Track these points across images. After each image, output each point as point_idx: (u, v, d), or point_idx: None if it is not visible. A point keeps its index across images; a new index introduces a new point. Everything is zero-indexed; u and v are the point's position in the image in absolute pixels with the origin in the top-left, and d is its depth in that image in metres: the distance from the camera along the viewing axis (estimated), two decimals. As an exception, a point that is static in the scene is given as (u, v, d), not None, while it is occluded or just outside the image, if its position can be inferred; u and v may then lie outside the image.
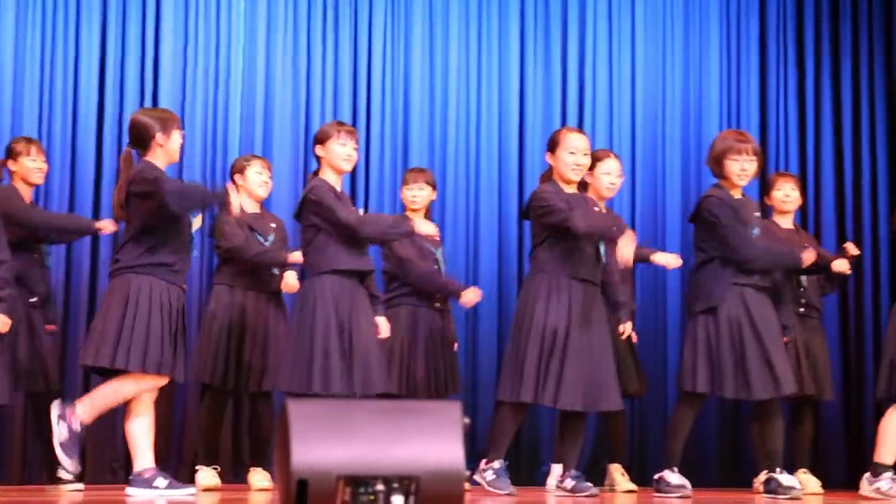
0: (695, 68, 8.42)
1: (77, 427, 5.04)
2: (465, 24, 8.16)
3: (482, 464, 5.47)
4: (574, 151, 5.46)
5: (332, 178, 5.40)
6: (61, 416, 5.01)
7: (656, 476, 5.65)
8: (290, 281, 6.18)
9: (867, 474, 5.73)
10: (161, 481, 5.06)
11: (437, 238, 6.19)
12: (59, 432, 4.99)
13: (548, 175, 5.63)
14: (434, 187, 6.56)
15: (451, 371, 6.45)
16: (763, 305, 5.51)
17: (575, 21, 8.31)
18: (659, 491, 5.60)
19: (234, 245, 6.11)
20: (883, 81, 8.53)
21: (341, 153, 5.38)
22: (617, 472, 6.44)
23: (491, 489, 5.40)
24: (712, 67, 8.42)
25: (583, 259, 5.40)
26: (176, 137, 5.18)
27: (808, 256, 5.66)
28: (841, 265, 6.33)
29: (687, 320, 5.68)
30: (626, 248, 5.42)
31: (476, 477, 5.44)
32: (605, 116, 8.25)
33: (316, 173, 5.48)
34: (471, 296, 6.30)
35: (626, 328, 6.25)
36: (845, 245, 6.67)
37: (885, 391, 5.85)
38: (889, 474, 5.69)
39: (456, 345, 6.61)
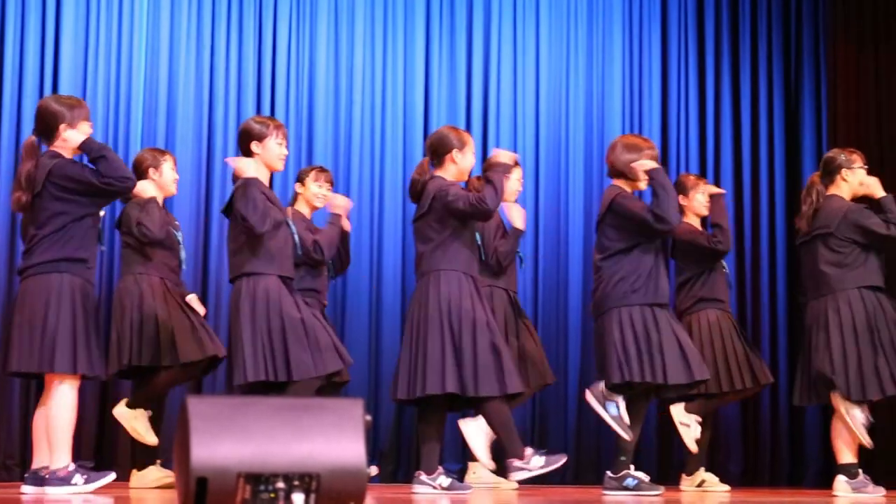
0: (598, 71, 8.51)
1: None
2: (371, 23, 8.15)
3: (515, 462, 5.37)
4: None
5: (263, 175, 5.42)
6: None
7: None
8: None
9: (842, 477, 5.77)
10: (78, 478, 4.98)
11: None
12: None
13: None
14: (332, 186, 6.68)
15: None
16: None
17: (480, 22, 8.34)
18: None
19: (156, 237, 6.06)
20: (781, 85, 8.71)
21: (278, 152, 5.42)
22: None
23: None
24: (615, 70, 8.52)
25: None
26: (84, 128, 5.09)
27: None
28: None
29: (599, 315, 5.63)
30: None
31: (517, 475, 5.35)
32: (509, 117, 8.30)
33: None
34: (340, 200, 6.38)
35: None
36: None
37: (806, 399, 5.93)
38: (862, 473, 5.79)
39: None
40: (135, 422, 6.02)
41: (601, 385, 5.40)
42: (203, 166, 7.57)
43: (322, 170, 6.69)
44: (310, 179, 6.59)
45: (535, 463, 5.28)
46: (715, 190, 6.80)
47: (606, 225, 5.59)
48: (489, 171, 5.48)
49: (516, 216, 6.48)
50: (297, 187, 6.64)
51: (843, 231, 5.84)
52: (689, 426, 6.22)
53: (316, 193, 6.57)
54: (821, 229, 5.91)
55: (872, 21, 8.44)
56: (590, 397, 5.41)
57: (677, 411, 6.26)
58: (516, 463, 5.25)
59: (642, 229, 5.47)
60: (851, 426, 5.69)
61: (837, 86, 8.41)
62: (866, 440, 5.71)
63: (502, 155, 5.58)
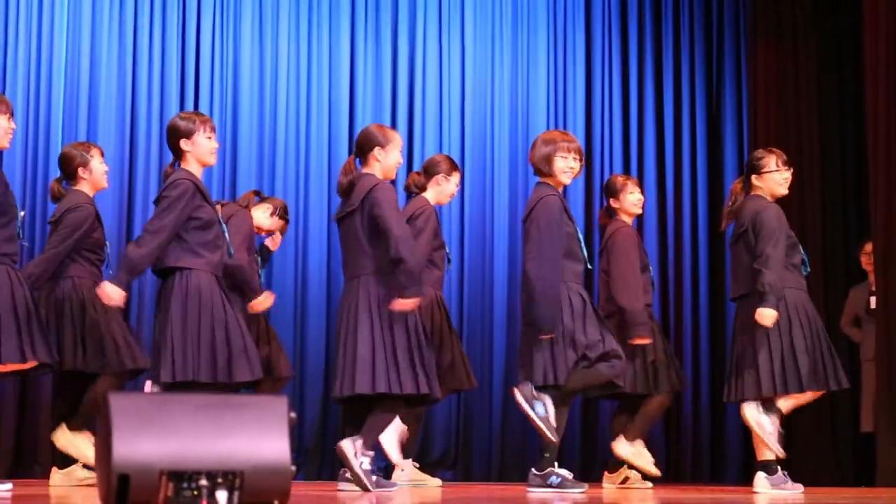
0: (522, 68, 8.54)
1: None
2: (296, 19, 8.11)
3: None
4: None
5: (196, 170, 5.38)
6: None
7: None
8: None
9: (761, 474, 5.82)
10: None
11: None
12: None
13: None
14: None
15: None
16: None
17: (405, 19, 8.34)
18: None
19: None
20: (703, 84, 8.81)
21: (208, 146, 5.38)
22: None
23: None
24: (539, 68, 8.56)
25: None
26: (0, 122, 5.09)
27: None
28: None
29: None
30: None
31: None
32: (434, 115, 8.30)
33: (172, 164, 5.43)
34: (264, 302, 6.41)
35: None
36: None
37: (734, 395, 5.97)
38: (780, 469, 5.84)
39: None
40: (86, 449, 5.91)
41: (530, 384, 5.41)
42: (126, 160, 7.49)
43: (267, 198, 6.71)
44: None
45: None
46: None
47: (526, 226, 5.61)
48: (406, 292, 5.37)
49: None
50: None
51: (754, 231, 5.90)
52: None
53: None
54: (739, 229, 5.97)
55: (791, 20, 8.56)
56: (518, 396, 5.42)
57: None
58: (349, 475, 5.30)
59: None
60: (762, 437, 5.76)
61: (758, 82, 8.50)
62: (778, 450, 5.77)
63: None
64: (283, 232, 6.94)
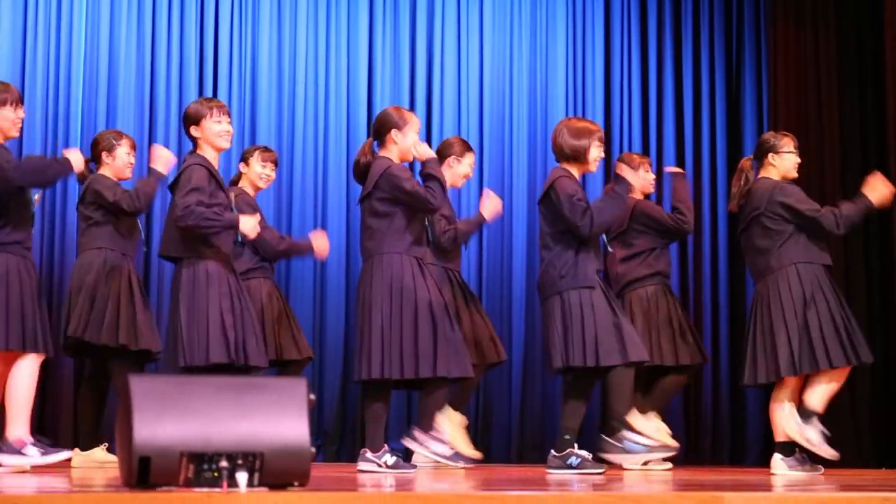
0: (541, 51, 8.52)
1: None
2: (314, 4, 8.11)
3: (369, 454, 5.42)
4: None
5: (211, 156, 5.44)
6: None
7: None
8: None
9: (778, 455, 5.83)
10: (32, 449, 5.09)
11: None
12: None
13: None
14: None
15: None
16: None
17: (423, 2, 8.33)
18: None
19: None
20: (723, 66, 8.76)
21: (217, 130, 5.43)
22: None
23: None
24: (558, 51, 8.54)
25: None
26: (5, 113, 5.15)
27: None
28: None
29: (547, 297, 5.63)
30: None
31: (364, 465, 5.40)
32: (452, 98, 8.29)
33: (192, 151, 5.48)
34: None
35: None
36: (667, 169, 7.12)
37: (752, 380, 5.96)
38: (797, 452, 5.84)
39: None
40: (103, 461, 6.10)
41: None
42: (144, 145, 7.50)
43: (266, 150, 6.69)
44: (254, 160, 6.61)
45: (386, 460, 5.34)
46: (674, 169, 6.91)
47: (542, 207, 5.62)
48: (426, 167, 5.46)
49: (488, 206, 6.55)
50: (242, 167, 6.64)
51: (772, 210, 5.89)
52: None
53: (259, 174, 6.61)
54: (753, 212, 5.96)
55: (812, 2, 8.51)
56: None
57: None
58: (368, 455, 5.32)
59: (566, 221, 5.50)
60: (811, 448, 5.76)
61: (777, 66, 8.47)
62: (831, 454, 5.77)
63: (422, 149, 5.55)
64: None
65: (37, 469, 5.09)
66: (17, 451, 5.05)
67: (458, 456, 5.79)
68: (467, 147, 6.59)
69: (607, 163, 8.19)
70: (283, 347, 6.52)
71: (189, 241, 5.33)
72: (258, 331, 5.44)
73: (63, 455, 5.18)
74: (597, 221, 5.47)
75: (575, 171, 5.63)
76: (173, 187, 5.44)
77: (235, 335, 5.29)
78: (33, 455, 5.05)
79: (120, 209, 6.05)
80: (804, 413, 5.78)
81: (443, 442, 5.41)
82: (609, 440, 5.48)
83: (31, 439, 5.11)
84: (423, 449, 5.41)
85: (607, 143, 8.24)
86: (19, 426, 5.10)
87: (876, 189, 5.93)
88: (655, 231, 6.76)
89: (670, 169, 6.96)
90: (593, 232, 5.50)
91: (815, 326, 5.75)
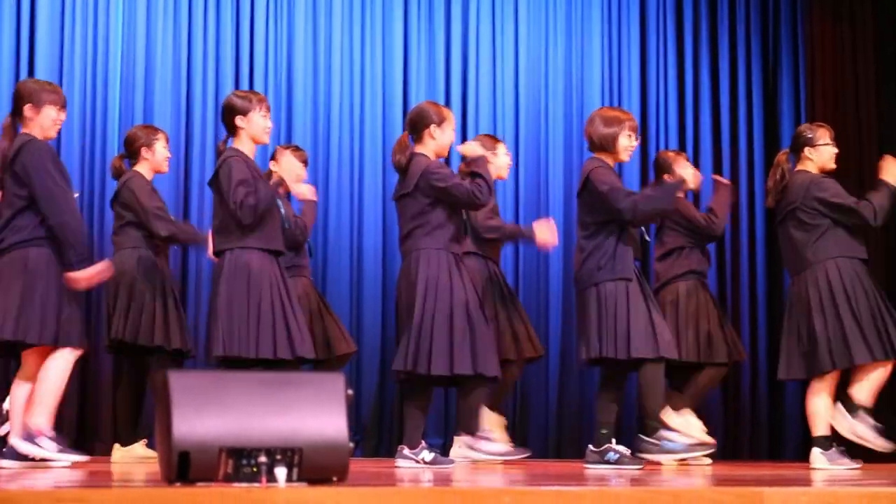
0: (577, 45, 8.49)
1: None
2: (350, -1, 8.13)
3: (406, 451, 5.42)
4: None
5: (248, 149, 5.44)
6: None
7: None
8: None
9: (816, 449, 5.80)
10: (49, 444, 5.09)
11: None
12: None
13: None
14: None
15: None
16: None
17: (459, -2, 8.32)
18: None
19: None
20: (759, 60, 8.71)
21: (263, 125, 5.44)
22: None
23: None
24: (594, 44, 8.51)
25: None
26: (48, 112, 5.17)
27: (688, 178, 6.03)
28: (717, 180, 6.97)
29: (584, 288, 5.61)
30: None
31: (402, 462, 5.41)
32: (488, 92, 8.28)
33: (225, 141, 5.50)
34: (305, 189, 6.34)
35: None
36: (714, 177, 7.12)
37: (786, 374, 5.93)
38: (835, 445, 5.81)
39: None
40: (143, 456, 6.17)
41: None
42: (182, 141, 7.54)
43: (297, 149, 6.70)
44: (285, 158, 6.61)
45: (423, 456, 5.37)
46: (722, 180, 6.91)
47: (581, 199, 5.60)
48: (473, 166, 5.47)
49: (544, 231, 6.59)
50: (272, 165, 6.64)
51: (808, 204, 5.85)
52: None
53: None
54: (789, 206, 5.92)
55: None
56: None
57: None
58: (406, 451, 5.37)
59: (608, 208, 5.46)
60: (868, 445, 5.72)
61: (815, 61, 8.41)
62: (888, 447, 5.73)
63: (469, 149, 5.57)
64: None
65: (77, 465, 5.10)
66: (32, 440, 5.05)
67: (514, 451, 5.84)
68: (494, 139, 6.70)
69: (643, 155, 8.17)
70: (332, 340, 6.54)
71: (234, 232, 5.32)
72: (300, 321, 5.40)
73: (75, 458, 5.15)
74: (641, 208, 5.42)
75: (609, 161, 5.62)
76: (212, 183, 5.45)
77: (284, 327, 5.28)
78: (46, 447, 5.05)
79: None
80: (851, 407, 5.74)
81: (493, 440, 5.45)
82: (648, 439, 5.45)
83: (50, 433, 5.10)
84: (478, 453, 5.47)
85: (644, 140, 8.21)
86: (41, 416, 5.10)
87: (893, 171, 5.90)
88: (686, 229, 6.75)
89: (718, 178, 6.96)
90: (637, 217, 5.45)
91: (852, 321, 5.71)
